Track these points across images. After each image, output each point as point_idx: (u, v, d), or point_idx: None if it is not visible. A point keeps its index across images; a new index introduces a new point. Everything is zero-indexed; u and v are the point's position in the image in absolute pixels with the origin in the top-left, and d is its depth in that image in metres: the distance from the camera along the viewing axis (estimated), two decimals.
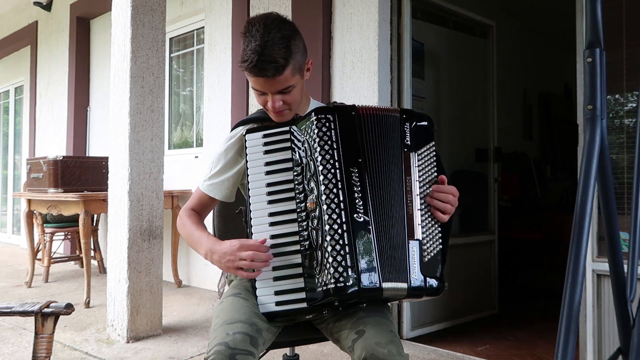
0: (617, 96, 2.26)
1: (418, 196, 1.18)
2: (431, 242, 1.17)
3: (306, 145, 1.19)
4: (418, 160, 1.20)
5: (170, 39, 4.62)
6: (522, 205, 4.74)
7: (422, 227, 1.16)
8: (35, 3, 5.83)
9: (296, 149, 1.21)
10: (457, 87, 3.36)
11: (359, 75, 2.93)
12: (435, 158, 1.23)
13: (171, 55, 4.65)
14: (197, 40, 4.44)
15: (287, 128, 1.24)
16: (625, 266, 0.88)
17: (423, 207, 1.18)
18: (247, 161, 1.24)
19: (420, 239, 1.15)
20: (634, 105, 2.20)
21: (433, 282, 1.14)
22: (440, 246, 1.17)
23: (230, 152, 1.41)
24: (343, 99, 2.98)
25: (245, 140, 1.26)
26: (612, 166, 2.13)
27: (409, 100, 2.88)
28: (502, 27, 3.91)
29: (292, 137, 1.23)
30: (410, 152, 1.20)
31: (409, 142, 1.21)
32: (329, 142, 1.15)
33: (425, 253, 1.15)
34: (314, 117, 1.18)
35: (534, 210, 4.65)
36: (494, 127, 3.47)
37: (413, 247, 1.14)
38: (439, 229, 1.19)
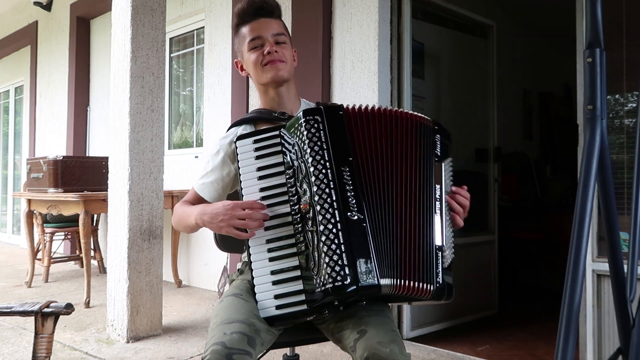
0: (617, 96, 2.26)
1: (445, 205, 1.21)
2: (449, 249, 1.19)
3: (296, 147, 1.19)
4: (445, 171, 1.23)
5: (170, 39, 4.62)
6: (522, 205, 4.74)
7: (444, 235, 1.18)
8: (35, 3, 5.83)
9: (287, 152, 1.21)
10: (457, 87, 3.36)
11: (359, 75, 2.93)
12: (452, 172, 1.27)
13: (171, 55, 4.65)
14: (197, 40, 4.44)
15: (276, 132, 1.24)
16: (625, 266, 0.88)
17: (447, 215, 1.21)
18: (239, 167, 1.25)
19: (443, 245, 1.17)
20: (634, 105, 2.20)
21: (450, 287, 1.17)
22: (454, 255, 1.20)
23: (220, 154, 1.42)
24: (343, 99, 2.98)
25: (236, 147, 1.26)
26: (612, 166, 2.13)
27: (409, 100, 2.88)
28: (502, 27, 3.91)
29: (282, 141, 1.23)
30: (440, 162, 1.23)
31: (439, 153, 1.24)
32: (319, 143, 1.15)
33: (444, 260, 1.17)
34: (302, 119, 1.18)
35: (534, 210, 4.65)
36: (494, 127, 3.47)
37: (438, 252, 1.16)
38: (453, 238, 1.22)
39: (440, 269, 1.14)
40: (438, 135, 1.25)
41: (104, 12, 5.18)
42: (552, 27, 5.30)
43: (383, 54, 2.86)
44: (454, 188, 1.26)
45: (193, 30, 4.46)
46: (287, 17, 3.33)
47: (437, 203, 1.19)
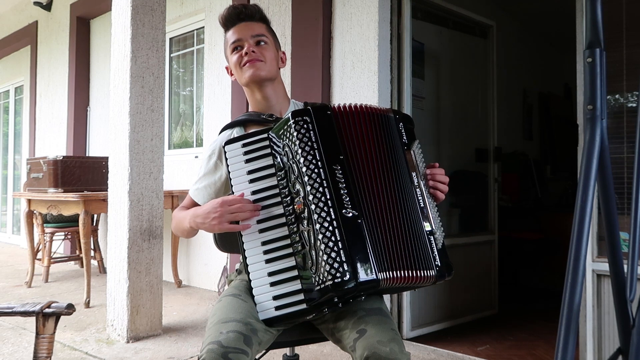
0: (617, 96, 2.26)
1: (425, 189, 1.24)
2: (439, 231, 1.22)
3: (287, 149, 1.20)
4: (416, 156, 1.26)
5: (170, 39, 4.62)
6: (522, 205, 4.74)
7: (431, 218, 1.22)
8: (35, 3, 5.83)
9: (277, 154, 1.22)
10: (457, 87, 3.36)
11: (359, 75, 2.93)
12: (422, 154, 1.30)
13: (171, 55, 4.65)
14: (197, 40, 4.44)
15: (265, 135, 1.25)
16: (625, 266, 0.88)
17: (429, 199, 1.25)
18: (229, 172, 1.26)
19: (432, 228, 1.21)
20: (634, 105, 2.20)
21: (449, 266, 1.20)
22: (444, 233, 1.24)
23: (212, 158, 1.46)
24: (343, 99, 2.98)
25: (225, 152, 1.27)
26: (612, 166, 2.13)
27: (409, 100, 2.88)
28: (502, 27, 3.91)
29: (271, 143, 1.24)
30: (409, 150, 1.26)
31: (405, 141, 1.27)
32: (309, 143, 1.17)
33: (437, 242, 1.21)
34: (292, 121, 1.19)
35: (534, 210, 4.65)
36: (494, 127, 3.47)
37: (430, 237, 1.20)
38: (439, 217, 1.26)
39: (436, 252, 1.19)
40: (401, 124, 1.28)
41: (104, 12, 5.18)
42: (552, 27, 5.31)
43: (383, 54, 2.86)
44: (428, 171, 1.29)
45: (193, 30, 4.46)
46: (286, 17, 3.34)
47: (417, 190, 1.23)
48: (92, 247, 4.51)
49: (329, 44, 3.10)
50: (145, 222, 2.86)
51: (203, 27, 4.20)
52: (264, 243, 1.20)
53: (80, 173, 3.87)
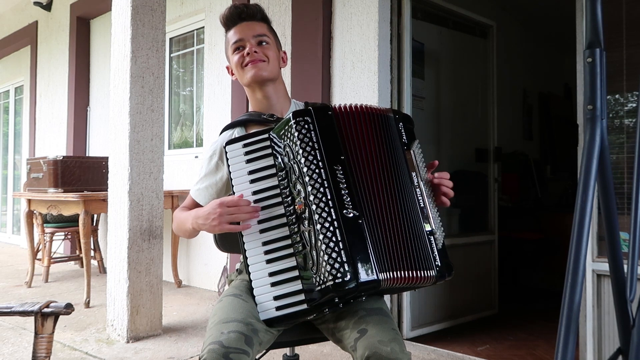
0: (617, 96, 2.26)
1: (424, 189, 1.23)
2: (439, 231, 1.22)
3: (288, 149, 1.19)
4: (416, 156, 1.25)
5: (170, 39, 4.62)
6: (522, 205, 4.74)
7: (431, 218, 1.22)
8: (35, 3, 5.83)
9: (278, 155, 1.22)
10: (457, 87, 3.36)
11: (359, 75, 2.93)
12: (422, 154, 1.29)
13: (171, 55, 4.65)
14: (197, 40, 4.44)
15: (266, 135, 1.25)
16: (625, 266, 0.88)
17: (429, 199, 1.24)
18: (230, 172, 1.26)
19: (432, 228, 1.21)
20: (634, 105, 2.20)
21: (449, 266, 1.20)
22: (444, 233, 1.23)
23: (213, 159, 1.46)
24: (343, 99, 2.98)
25: (226, 152, 1.27)
26: (612, 166, 2.13)
27: (409, 100, 2.88)
28: (502, 27, 3.91)
29: (272, 143, 1.24)
30: (409, 150, 1.25)
31: (405, 141, 1.27)
32: (310, 144, 1.16)
33: (437, 242, 1.20)
34: (293, 121, 1.19)
35: (534, 210, 4.65)
36: (494, 127, 3.47)
37: (430, 237, 1.19)
38: (439, 217, 1.25)
39: (436, 252, 1.19)
40: (401, 124, 1.28)
41: (104, 12, 5.18)
42: (552, 27, 5.30)
43: (383, 54, 2.86)
44: (436, 174, 1.29)
45: (193, 30, 4.46)
46: (287, 17, 3.34)
47: (417, 190, 1.22)
48: (92, 247, 4.51)
49: (329, 43, 3.10)
50: (145, 222, 2.86)
51: (203, 27, 4.20)
52: (264, 243, 1.20)
53: (80, 173, 3.87)
